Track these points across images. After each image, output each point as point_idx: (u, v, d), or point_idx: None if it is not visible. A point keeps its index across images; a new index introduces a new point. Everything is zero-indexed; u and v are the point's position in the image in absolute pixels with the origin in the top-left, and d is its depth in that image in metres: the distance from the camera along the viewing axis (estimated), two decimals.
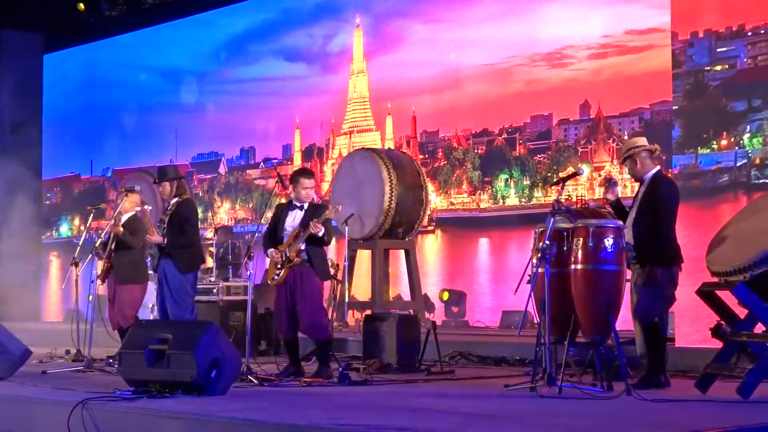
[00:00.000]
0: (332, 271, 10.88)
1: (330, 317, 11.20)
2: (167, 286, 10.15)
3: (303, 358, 10.13)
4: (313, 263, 9.55)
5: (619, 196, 8.85)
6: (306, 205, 9.63)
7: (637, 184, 8.91)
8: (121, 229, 10.67)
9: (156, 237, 10.17)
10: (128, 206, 10.90)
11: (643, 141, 8.75)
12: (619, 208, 8.68)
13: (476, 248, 16.33)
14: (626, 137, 14.34)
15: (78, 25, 20.69)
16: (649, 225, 8.39)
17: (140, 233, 10.74)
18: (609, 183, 8.88)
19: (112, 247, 10.70)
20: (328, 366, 9.56)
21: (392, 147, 16.83)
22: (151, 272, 11.44)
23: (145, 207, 10.96)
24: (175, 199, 10.31)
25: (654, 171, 8.60)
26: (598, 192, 14.65)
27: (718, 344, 8.17)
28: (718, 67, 12.28)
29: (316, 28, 18.74)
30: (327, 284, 10.35)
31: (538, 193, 15.46)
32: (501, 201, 15.93)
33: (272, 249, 9.63)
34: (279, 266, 9.56)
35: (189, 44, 20.40)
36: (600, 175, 14.62)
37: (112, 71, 21.68)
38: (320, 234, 9.39)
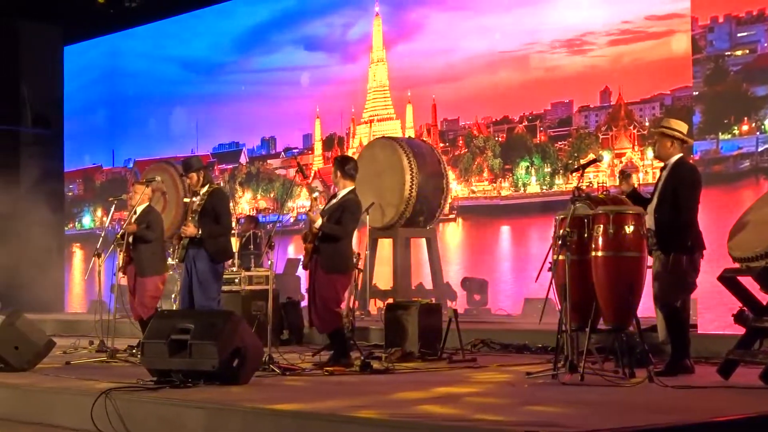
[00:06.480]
0: (355, 260, 10.79)
1: (352, 306, 11.19)
2: (196, 276, 10.05)
3: (322, 349, 10.13)
4: (320, 255, 9.44)
5: (641, 182, 8.81)
6: (341, 194, 9.57)
7: (658, 171, 8.87)
8: (135, 226, 10.79)
9: (191, 229, 10.03)
10: (143, 198, 11.00)
11: (683, 128, 8.64)
12: (636, 198, 8.65)
13: (497, 236, 16.30)
14: (647, 123, 14.30)
15: (98, 16, 20.75)
16: (671, 211, 8.35)
17: (155, 226, 10.88)
18: (623, 175, 8.89)
19: (130, 240, 10.81)
20: (344, 355, 9.52)
21: (412, 135, 16.80)
22: (172, 262, 11.49)
23: (185, 199, 10.96)
24: (205, 188, 10.25)
25: (677, 157, 8.54)
26: (619, 179, 14.60)
27: (740, 330, 8.13)
28: (739, 52, 12.23)
29: (336, 17, 18.74)
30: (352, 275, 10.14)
31: (558, 181, 15.42)
32: (522, 188, 15.89)
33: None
34: None
35: (209, 34, 20.43)
36: (621, 162, 14.56)
37: (133, 62, 21.75)
38: (316, 225, 9.32)
